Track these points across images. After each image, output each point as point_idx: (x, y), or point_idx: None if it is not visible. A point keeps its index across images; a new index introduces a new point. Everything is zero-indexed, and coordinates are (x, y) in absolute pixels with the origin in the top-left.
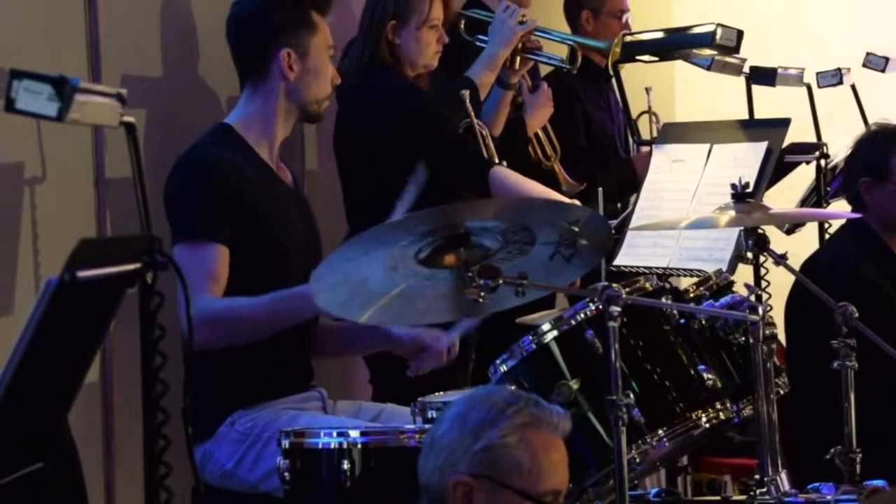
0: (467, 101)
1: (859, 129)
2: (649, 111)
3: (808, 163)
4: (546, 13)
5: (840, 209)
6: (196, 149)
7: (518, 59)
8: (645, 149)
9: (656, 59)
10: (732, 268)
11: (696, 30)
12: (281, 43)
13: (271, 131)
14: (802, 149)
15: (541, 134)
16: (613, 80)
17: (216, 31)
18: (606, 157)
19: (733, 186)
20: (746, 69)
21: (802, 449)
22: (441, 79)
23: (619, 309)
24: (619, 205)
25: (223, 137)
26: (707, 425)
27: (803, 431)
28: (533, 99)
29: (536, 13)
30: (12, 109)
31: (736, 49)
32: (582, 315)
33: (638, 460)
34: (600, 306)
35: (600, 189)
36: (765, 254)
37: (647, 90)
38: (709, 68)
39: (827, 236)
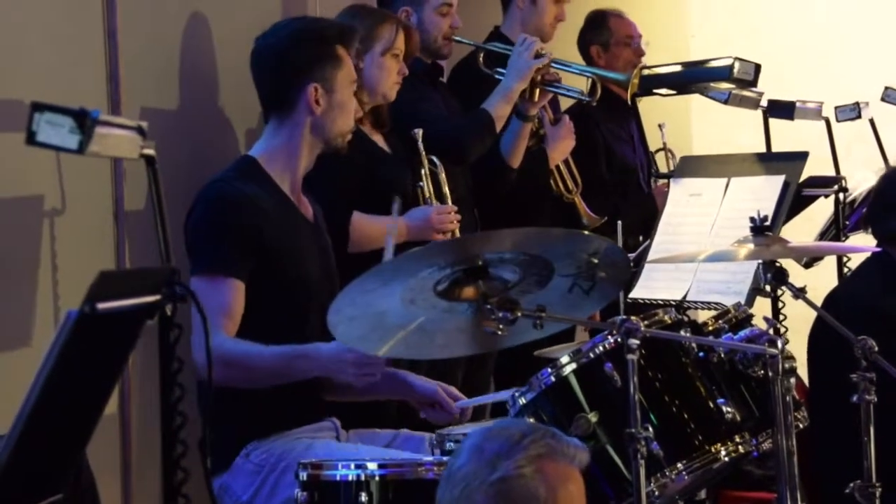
0: (419, 140)
1: (878, 163)
2: (664, 148)
3: (826, 196)
4: (570, 46)
5: (859, 243)
6: (218, 182)
7: (537, 91)
8: (663, 182)
9: (674, 92)
10: (751, 301)
11: (714, 63)
12: (309, 78)
13: (295, 164)
14: (821, 182)
15: (562, 167)
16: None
17: (236, 63)
18: (628, 189)
19: (752, 219)
20: (764, 103)
21: (822, 483)
22: (457, 110)
23: (637, 342)
24: (640, 237)
25: (246, 171)
26: (726, 458)
27: (823, 465)
28: (555, 131)
29: (559, 46)
30: (34, 142)
31: (754, 83)
32: (601, 348)
33: (657, 493)
34: (619, 339)
35: (619, 222)
36: (783, 287)
37: (661, 126)
38: (726, 102)
39: (846, 270)
